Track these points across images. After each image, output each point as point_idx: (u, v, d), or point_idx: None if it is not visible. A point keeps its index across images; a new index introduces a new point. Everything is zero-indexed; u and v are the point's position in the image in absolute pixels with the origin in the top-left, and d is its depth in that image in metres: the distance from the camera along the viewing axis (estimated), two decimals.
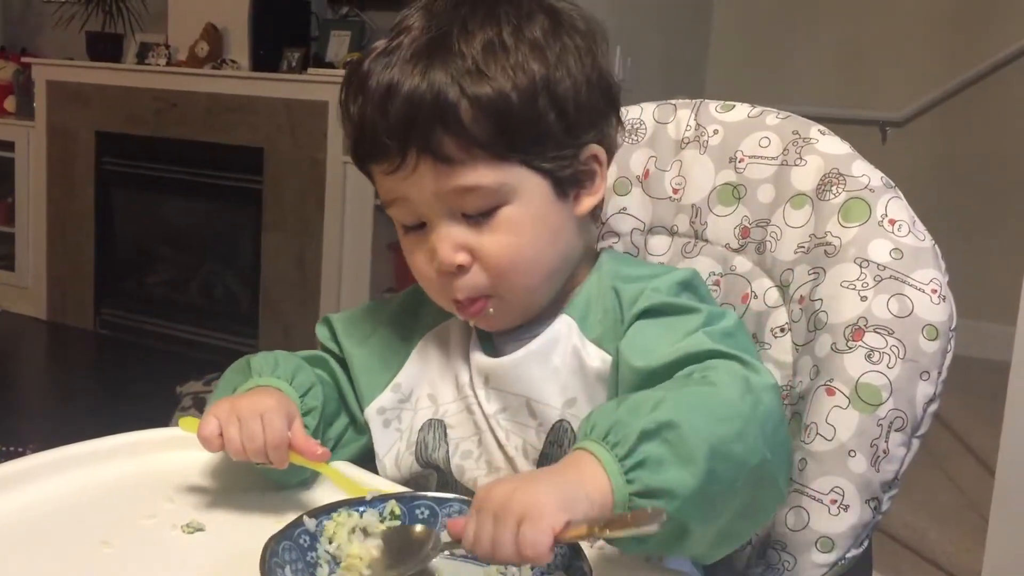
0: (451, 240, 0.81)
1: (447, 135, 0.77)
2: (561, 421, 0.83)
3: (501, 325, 0.87)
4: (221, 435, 0.79)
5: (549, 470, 0.67)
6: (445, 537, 0.69)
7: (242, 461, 0.80)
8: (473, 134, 0.78)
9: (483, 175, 0.79)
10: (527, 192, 0.81)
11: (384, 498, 0.76)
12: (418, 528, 0.73)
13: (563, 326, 0.85)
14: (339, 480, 0.83)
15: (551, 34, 0.81)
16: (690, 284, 0.84)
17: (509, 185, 0.80)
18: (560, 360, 0.84)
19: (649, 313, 0.81)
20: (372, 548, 0.71)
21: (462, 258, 0.81)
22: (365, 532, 0.73)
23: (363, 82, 0.81)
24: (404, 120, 0.78)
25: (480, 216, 0.81)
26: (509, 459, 0.85)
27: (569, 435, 0.82)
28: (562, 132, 0.81)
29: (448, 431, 0.88)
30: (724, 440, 0.66)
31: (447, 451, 0.87)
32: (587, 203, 0.86)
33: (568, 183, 0.84)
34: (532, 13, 0.82)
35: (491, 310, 0.84)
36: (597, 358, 0.83)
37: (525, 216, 0.81)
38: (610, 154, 0.88)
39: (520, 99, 0.78)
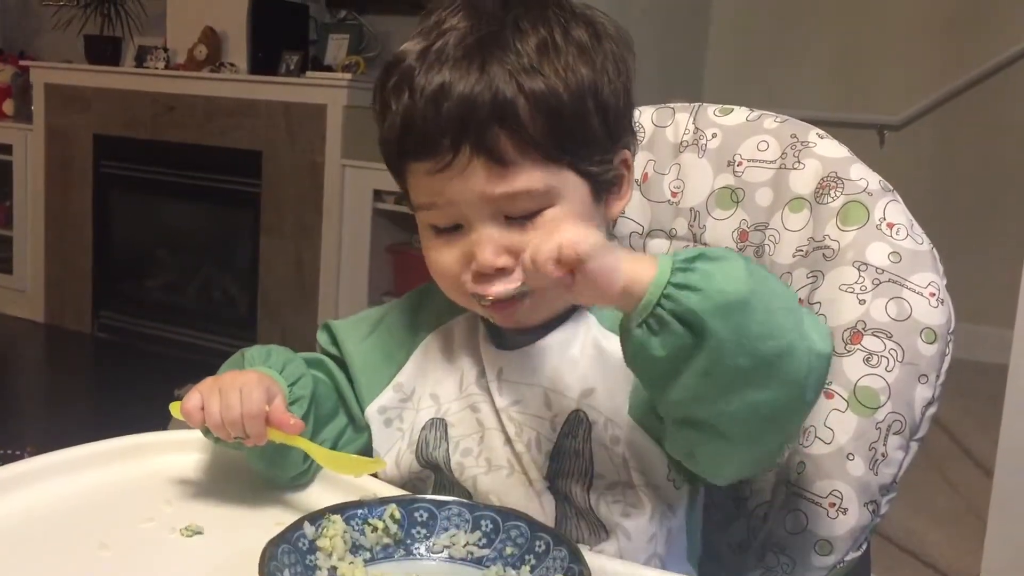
0: (493, 243, 0.80)
1: (504, 133, 0.77)
2: (577, 411, 0.83)
3: (529, 322, 0.85)
4: (203, 408, 0.80)
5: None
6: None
7: (223, 438, 0.81)
8: (529, 133, 0.77)
9: (534, 179, 0.78)
10: (570, 194, 0.81)
11: (383, 502, 0.76)
12: None
13: (582, 321, 0.85)
14: (315, 452, 0.82)
15: (594, 39, 0.82)
16: None
17: (556, 188, 0.80)
18: (579, 350, 0.84)
19: None
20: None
21: (504, 261, 0.80)
22: (358, 546, 0.73)
23: (408, 79, 0.79)
24: (459, 117, 0.77)
25: (524, 218, 0.80)
26: (517, 455, 0.84)
27: (584, 426, 0.82)
28: (604, 136, 0.82)
29: (449, 429, 0.88)
30: (772, 300, 0.67)
31: (447, 449, 0.87)
32: (616, 207, 0.87)
33: (604, 187, 0.84)
34: (575, 17, 0.83)
35: (523, 309, 0.82)
36: (618, 345, 0.83)
37: (568, 218, 0.80)
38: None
39: (571, 99, 0.78)
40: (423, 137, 0.78)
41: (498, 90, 0.76)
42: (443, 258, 0.83)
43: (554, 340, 0.85)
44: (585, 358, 0.84)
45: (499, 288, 0.80)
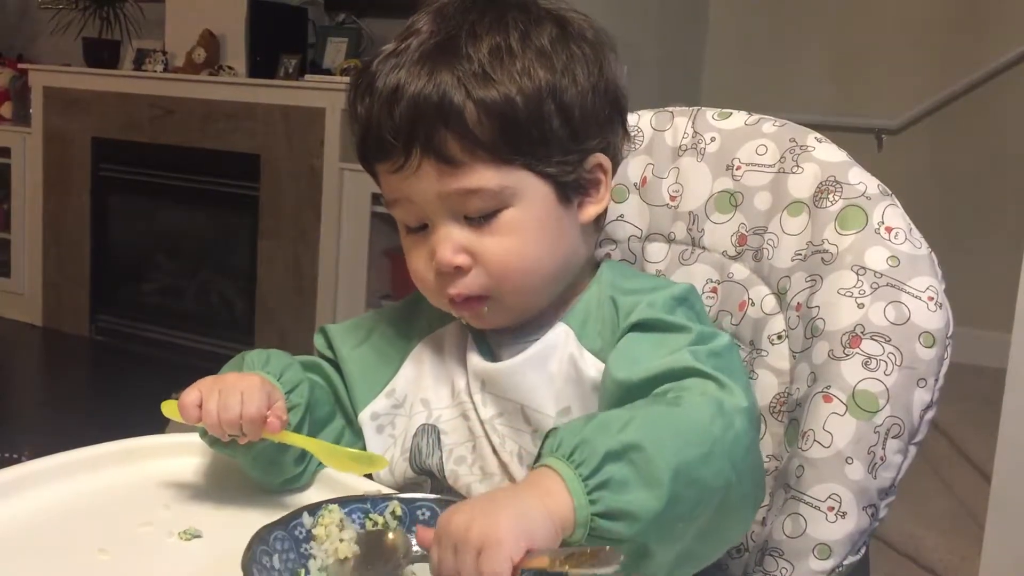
0: (451, 241, 0.81)
1: (450, 136, 0.78)
2: (555, 429, 0.83)
3: (494, 324, 0.87)
4: (200, 406, 0.80)
5: (510, 490, 0.66)
6: (417, 546, 0.70)
7: (217, 435, 0.81)
8: (476, 136, 0.78)
9: (486, 177, 0.79)
10: (530, 196, 0.81)
11: (386, 498, 0.76)
12: (391, 535, 0.73)
13: (560, 334, 0.86)
14: (314, 447, 0.83)
15: (559, 42, 0.82)
16: (686, 300, 0.84)
17: (511, 188, 0.80)
18: (556, 368, 0.85)
19: (640, 327, 0.81)
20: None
21: (461, 260, 0.82)
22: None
23: (370, 82, 0.82)
24: (409, 120, 0.79)
25: (482, 218, 0.81)
26: (503, 465, 0.85)
27: None
28: (567, 138, 0.82)
29: (442, 437, 0.88)
30: (690, 463, 0.66)
31: (441, 457, 0.87)
32: (591, 211, 0.87)
33: (572, 189, 0.84)
34: (540, 20, 0.83)
35: (486, 309, 0.84)
36: (594, 368, 0.83)
37: (527, 219, 0.82)
38: (615, 164, 0.89)
39: (525, 104, 0.79)
40: (379, 139, 0.81)
41: (444, 94, 0.78)
42: (414, 258, 0.85)
43: (532, 353, 0.85)
44: (561, 375, 0.84)
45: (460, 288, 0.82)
